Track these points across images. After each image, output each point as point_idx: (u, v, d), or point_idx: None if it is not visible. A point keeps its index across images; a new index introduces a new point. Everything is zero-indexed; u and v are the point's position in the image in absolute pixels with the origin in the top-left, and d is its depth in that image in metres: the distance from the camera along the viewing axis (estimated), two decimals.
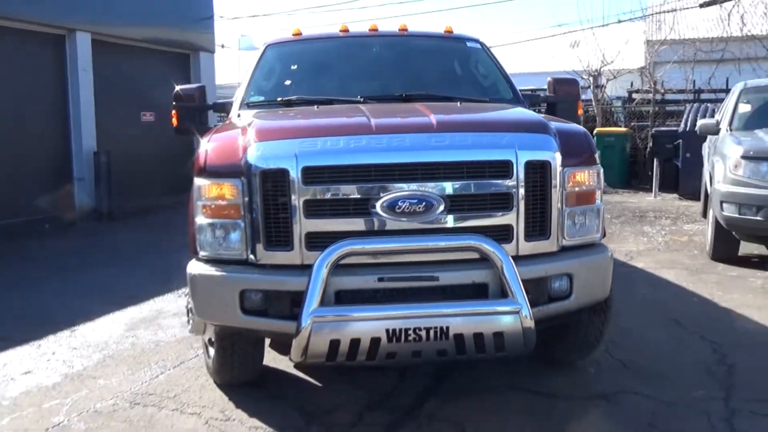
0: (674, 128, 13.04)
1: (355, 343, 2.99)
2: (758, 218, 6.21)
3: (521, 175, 3.17)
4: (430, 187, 3.12)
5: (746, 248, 6.98)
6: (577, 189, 3.36)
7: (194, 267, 3.36)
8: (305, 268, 3.12)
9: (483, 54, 5.09)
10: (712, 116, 11.63)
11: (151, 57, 14.13)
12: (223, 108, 4.85)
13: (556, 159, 3.25)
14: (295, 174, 3.11)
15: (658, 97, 14.75)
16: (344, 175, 3.12)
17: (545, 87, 5.01)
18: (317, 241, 3.13)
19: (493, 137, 3.29)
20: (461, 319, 3.01)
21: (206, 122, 4.85)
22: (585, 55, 15.49)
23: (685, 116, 12.67)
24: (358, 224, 3.13)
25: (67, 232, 10.24)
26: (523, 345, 3.08)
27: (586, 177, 3.40)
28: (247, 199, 3.19)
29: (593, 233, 3.45)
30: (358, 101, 4.30)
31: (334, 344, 2.99)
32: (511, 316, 3.01)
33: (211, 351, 3.92)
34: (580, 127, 3.75)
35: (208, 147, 3.43)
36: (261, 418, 3.47)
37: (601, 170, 3.51)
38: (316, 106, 4.13)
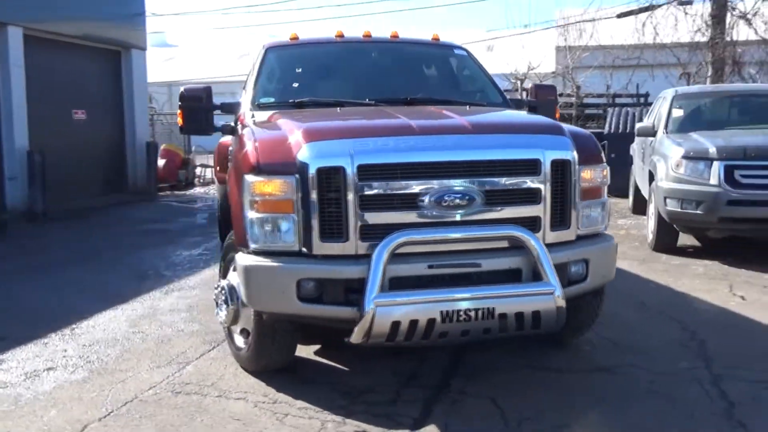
0: (598, 130, 13.95)
1: (413, 324, 3.30)
2: (698, 212, 6.93)
3: (548, 172, 3.58)
4: (471, 183, 3.47)
5: (681, 240, 7.72)
6: (589, 184, 3.80)
7: (246, 259, 3.56)
8: (359, 258, 3.41)
9: (470, 60, 5.49)
10: (634, 120, 12.62)
11: (83, 54, 13.81)
12: (231, 109, 5.00)
13: (575, 158, 3.68)
14: (351, 171, 3.38)
15: (578, 101, 15.73)
16: (396, 171, 3.43)
17: None
18: (370, 233, 3.42)
19: (523, 138, 3.69)
20: (505, 301, 3.38)
21: (211, 123, 4.98)
22: (512, 60, 16.34)
23: (608, 119, 13.60)
24: (408, 217, 3.44)
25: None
26: (555, 322, 3.48)
27: (597, 174, 3.85)
28: (300, 194, 3.43)
29: (601, 223, 3.91)
30: (370, 104, 4.60)
31: (395, 326, 3.29)
32: (547, 297, 3.41)
33: (239, 340, 4.12)
34: (586, 131, 4.21)
35: (257, 146, 3.63)
36: (306, 399, 3.70)
37: (608, 168, 3.97)
38: (338, 108, 4.41)
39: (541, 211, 3.60)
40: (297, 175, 3.44)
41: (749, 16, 14.89)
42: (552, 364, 4.23)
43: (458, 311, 3.32)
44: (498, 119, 4.32)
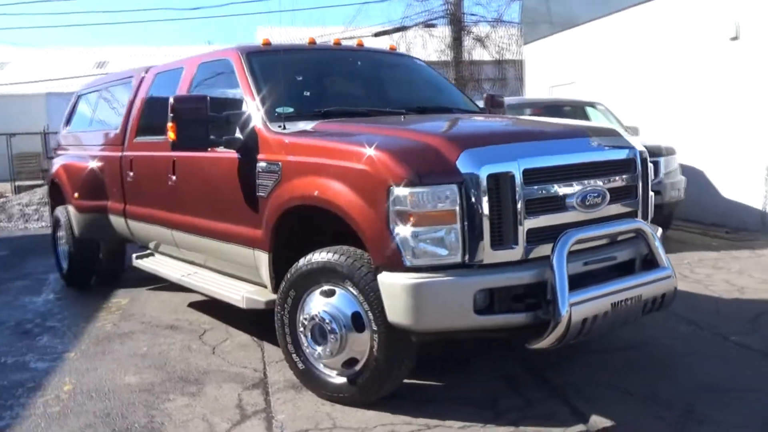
0: None
1: (594, 319, 3.40)
2: None
3: (640, 169, 3.97)
4: (602, 182, 3.70)
5: None
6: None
7: (406, 278, 3.30)
8: (526, 263, 3.41)
9: (431, 70, 5.64)
10: None
11: None
12: (237, 121, 4.41)
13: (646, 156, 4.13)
14: (518, 176, 3.36)
15: None
16: (552, 174, 3.50)
17: None
18: (533, 237, 3.44)
19: (620, 140, 4.00)
20: (647, 287, 3.66)
21: (209, 135, 4.34)
22: None
23: None
24: (564, 218, 3.54)
25: None
26: (672, 300, 3.87)
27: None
28: (464, 203, 3.30)
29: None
30: (399, 113, 4.53)
31: (583, 324, 3.35)
32: (670, 280, 3.78)
33: (332, 375, 3.76)
34: None
35: (396, 155, 3.38)
36: (454, 418, 3.54)
37: None
38: (403, 117, 4.25)
39: (638, 204, 3.97)
40: (459, 184, 3.30)
41: (483, 39, 17.12)
42: (600, 347, 4.61)
43: (621, 301, 3.51)
44: (587, 125, 4.59)
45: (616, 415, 3.56)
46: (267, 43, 5.04)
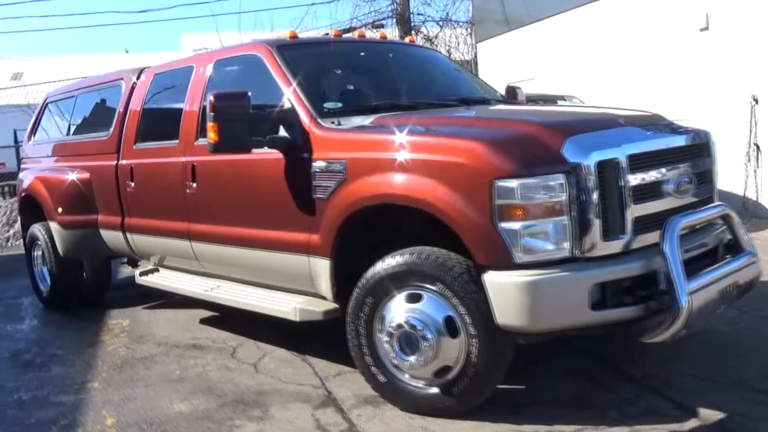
0: None
1: (706, 307, 3.27)
2: None
3: (714, 154, 3.89)
4: (689, 167, 3.59)
5: None
6: None
7: (521, 275, 3.09)
8: (630, 254, 3.26)
9: (451, 62, 5.45)
10: None
11: None
12: (281, 119, 4.08)
13: None
14: (624, 162, 3.21)
15: None
16: (652, 160, 3.37)
17: None
18: (638, 226, 3.28)
19: (690, 126, 3.91)
20: (741, 272, 3.57)
21: (249, 136, 4.00)
22: None
23: None
24: (662, 204, 3.41)
25: None
26: (756, 284, 3.80)
27: None
28: (572, 193, 3.12)
29: None
30: (451, 104, 4.33)
31: (697, 311, 3.21)
32: (757, 263, 3.71)
33: (420, 385, 3.51)
34: None
35: (494, 146, 3.17)
36: (549, 422, 3.36)
37: None
38: (464, 108, 4.03)
39: (714, 189, 3.89)
40: (566, 173, 3.11)
41: (432, 39, 17.07)
42: None
43: (726, 287, 3.41)
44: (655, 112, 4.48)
45: (719, 405, 3.45)
46: (294, 36, 4.71)
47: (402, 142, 3.50)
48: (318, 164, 3.87)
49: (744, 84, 8.90)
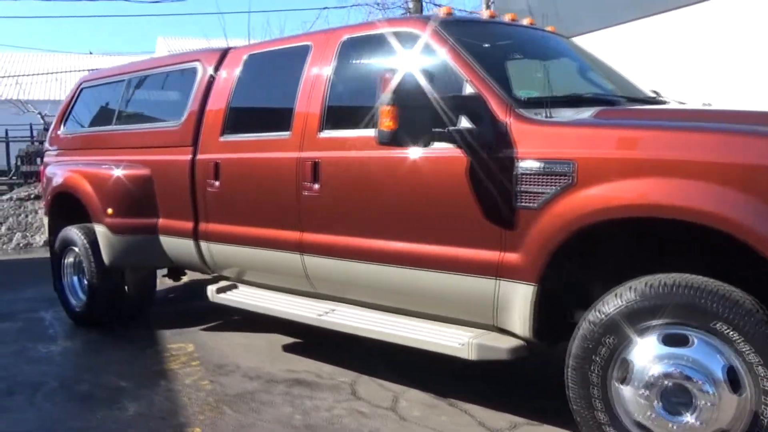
0: None
1: None
2: None
3: None
4: None
5: None
6: None
7: None
8: None
9: None
10: None
11: None
12: (465, 109, 3.27)
13: None
14: None
15: None
16: None
17: None
18: None
19: None
20: None
21: (431, 127, 3.20)
22: None
23: None
24: None
25: None
26: None
27: None
28: None
29: None
30: (640, 100, 3.68)
31: None
32: None
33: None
34: None
35: None
36: None
37: None
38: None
39: None
40: None
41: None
42: None
43: None
44: None
45: None
46: (450, 12, 3.93)
47: (670, 140, 2.74)
48: (526, 164, 3.08)
49: None
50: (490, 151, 3.20)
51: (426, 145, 3.29)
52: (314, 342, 4.85)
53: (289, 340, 5.02)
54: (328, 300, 4.19)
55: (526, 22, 4.39)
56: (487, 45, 3.72)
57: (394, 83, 3.06)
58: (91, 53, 40.22)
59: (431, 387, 3.98)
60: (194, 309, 6.21)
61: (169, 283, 6.41)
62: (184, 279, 6.23)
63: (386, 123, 3.11)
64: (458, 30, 3.69)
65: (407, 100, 3.10)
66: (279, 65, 4.52)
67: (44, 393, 4.16)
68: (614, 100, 3.60)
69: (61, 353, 5.03)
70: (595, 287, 3.11)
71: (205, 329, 5.45)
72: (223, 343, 5.05)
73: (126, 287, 5.61)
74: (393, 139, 3.13)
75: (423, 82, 3.17)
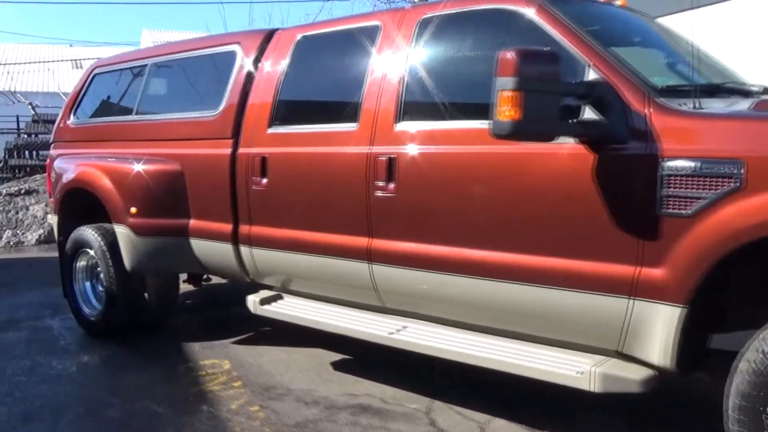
0: None
1: None
2: None
3: None
4: None
5: None
6: None
7: None
8: None
9: None
10: None
11: None
12: (591, 97, 2.79)
13: None
14: None
15: None
16: None
17: None
18: None
19: None
20: None
21: (558, 117, 2.70)
22: None
23: None
24: None
25: None
26: None
27: None
28: None
29: None
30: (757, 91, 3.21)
31: None
32: None
33: None
34: None
35: None
36: None
37: None
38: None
39: None
40: None
41: None
42: None
43: None
44: None
45: None
46: None
47: None
48: (675, 164, 2.59)
49: None
50: (623, 147, 2.72)
51: (549, 139, 2.79)
52: (364, 360, 4.34)
53: (335, 356, 4.50)
54: (393, 314, 3.69)
55: (618, 3, 3.91)
56: (597, 27, 3.22)
57: (522, 64, 2.55)
58: (71, 45, 39.19)
59: (520, 416, 3.49)
60: (219, 318, 5.67)
61: (185, 288, 5.84)
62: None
63: (507, 112, 2.60)
64: (568, 7, 3.20)
65: (538, 84, 2.60)
66: (340, 48, 4.00)
67: (68, 420, 3.62)
68: (751, 91, 3.13)
69: (80, 370, 4.45)
70: (736, 310, 2.66)
71: (237, 342, 4.91)
72: (262, 360, 4.51)
73: (146, 294, 5.06)
74: (515, 131, 2.62)
75: (556, 64, 2.66)
